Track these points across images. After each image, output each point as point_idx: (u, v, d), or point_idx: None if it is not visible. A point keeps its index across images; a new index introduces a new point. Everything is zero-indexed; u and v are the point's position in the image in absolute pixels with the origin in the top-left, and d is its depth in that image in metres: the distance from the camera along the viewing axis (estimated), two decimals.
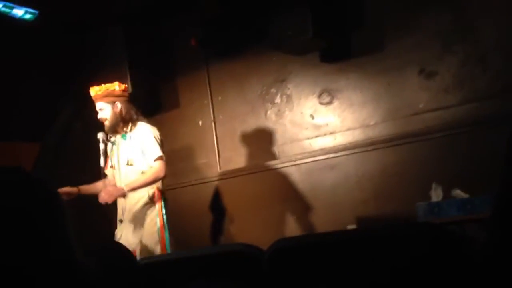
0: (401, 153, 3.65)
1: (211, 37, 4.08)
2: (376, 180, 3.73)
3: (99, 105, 3.20)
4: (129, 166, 3.19)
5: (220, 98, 4.38)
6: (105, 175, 3.26)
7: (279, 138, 4.14)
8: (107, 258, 1.10)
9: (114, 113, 3.18)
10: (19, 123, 3.85)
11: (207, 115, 4.41)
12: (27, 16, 3.64)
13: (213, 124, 4.39)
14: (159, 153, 3.15)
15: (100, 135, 3.22)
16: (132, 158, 3.19)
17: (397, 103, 3.69)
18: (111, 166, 3.28)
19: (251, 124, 4.26)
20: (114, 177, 3.29)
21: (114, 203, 3.16)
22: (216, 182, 4.36)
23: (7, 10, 3.50)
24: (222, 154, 4.36)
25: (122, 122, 3.21)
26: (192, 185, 4.43)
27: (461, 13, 3.42)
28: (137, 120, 3.27)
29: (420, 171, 3.54)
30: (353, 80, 3.86)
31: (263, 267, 1.25)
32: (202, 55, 4.34)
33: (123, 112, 3.21)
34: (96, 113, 3.23)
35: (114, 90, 3.21)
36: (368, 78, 3.80)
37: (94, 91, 3.20)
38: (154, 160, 3.14)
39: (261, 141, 4.21)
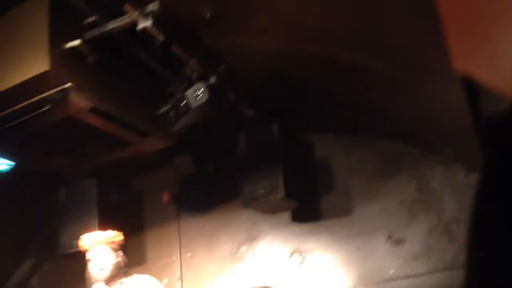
0: None
1: (184, 194, 4.14)
2: None
3: (100, 251, 3.09)
4: None
5: (189, 254, 4.28)
6: None
7: None
8: None
9: (118, 262, 3.12)
10: None
11: (175, 272, 4.25)
12: (3, 168, 3.64)
13: (180, 282, 4.20)
14: None
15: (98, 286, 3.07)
16: None
17: (368, 267, 3.66)
18: None
19: (220, 283, 4.10)
20: None
21: None
22: None
23: None
24: None
25: (121, 273, 3.14)
26: None
27: (425, 183, 3.62)
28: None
29: None
30: (324, 242, 3.87)
31: None
32: (174, 211, 4.34)
33: (123, 262, 3.17)
34: (84, 262, 3.11)
35: (118, 238, 3.21)
36: (338, 241, 3.82)
37: (96, 236, 3.15)
38: None
39: None
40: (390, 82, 2.83)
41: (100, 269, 3.06)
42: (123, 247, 3.25)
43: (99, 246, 3.11)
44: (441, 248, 3.46)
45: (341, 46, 2.71)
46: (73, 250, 3.91)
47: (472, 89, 2.60)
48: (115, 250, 3.14)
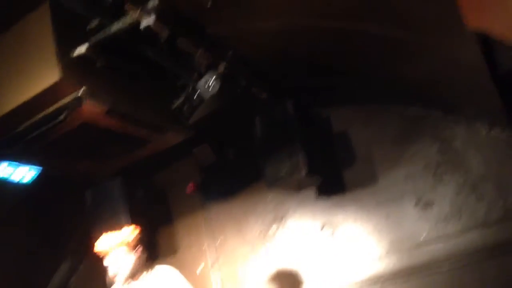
0: None
1: (208, 183, 4.17)
2: None
3: (116, 254, 2.93)
4: None
5: (219, 240, 4.34)
6: None
7: (283, 278, 4.01)
8: None
9: (138, 258, 2.98)
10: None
11: (207, 258, 4.32)
12: (29, 178, 3.65)
13: (213, 267, 4.27)
14: None
15: None
16: None
17: (399, 234, 3.65)
18: None
19: (253, 264, 4.16)
20: None
21: None
22: None
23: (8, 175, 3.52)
24: None
25: (143, 267, 2.99)
26: None
27: (448, 144, 3.57)
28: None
29: None
30: (352, 213, 3.87)
31: None
32: (200, 200, 4.39)
33: (143, 257, 3.02)
34: (102, 267, 2.98)
35: (132, 236, 3.02)
36: (366, 211, 3.81)
37: (110, 240, 2.95)
38: None
39: (265, 282, 4.07)
40: (403, 48, 2.76)
41: (119, 272, 2.92)
42: (142, 241, 3.07)
43: (115, 250, 2.94)
44: (470, 207, 3.43)
45: (349, 16, 2.64)
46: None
47: (487, 44, 2.53)
48: (132, 248, 2.98)
